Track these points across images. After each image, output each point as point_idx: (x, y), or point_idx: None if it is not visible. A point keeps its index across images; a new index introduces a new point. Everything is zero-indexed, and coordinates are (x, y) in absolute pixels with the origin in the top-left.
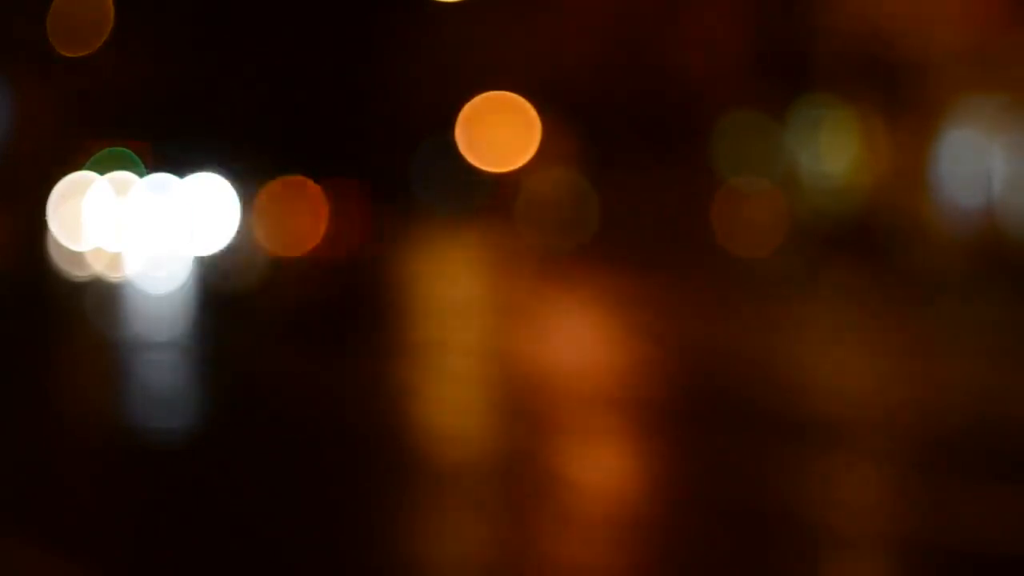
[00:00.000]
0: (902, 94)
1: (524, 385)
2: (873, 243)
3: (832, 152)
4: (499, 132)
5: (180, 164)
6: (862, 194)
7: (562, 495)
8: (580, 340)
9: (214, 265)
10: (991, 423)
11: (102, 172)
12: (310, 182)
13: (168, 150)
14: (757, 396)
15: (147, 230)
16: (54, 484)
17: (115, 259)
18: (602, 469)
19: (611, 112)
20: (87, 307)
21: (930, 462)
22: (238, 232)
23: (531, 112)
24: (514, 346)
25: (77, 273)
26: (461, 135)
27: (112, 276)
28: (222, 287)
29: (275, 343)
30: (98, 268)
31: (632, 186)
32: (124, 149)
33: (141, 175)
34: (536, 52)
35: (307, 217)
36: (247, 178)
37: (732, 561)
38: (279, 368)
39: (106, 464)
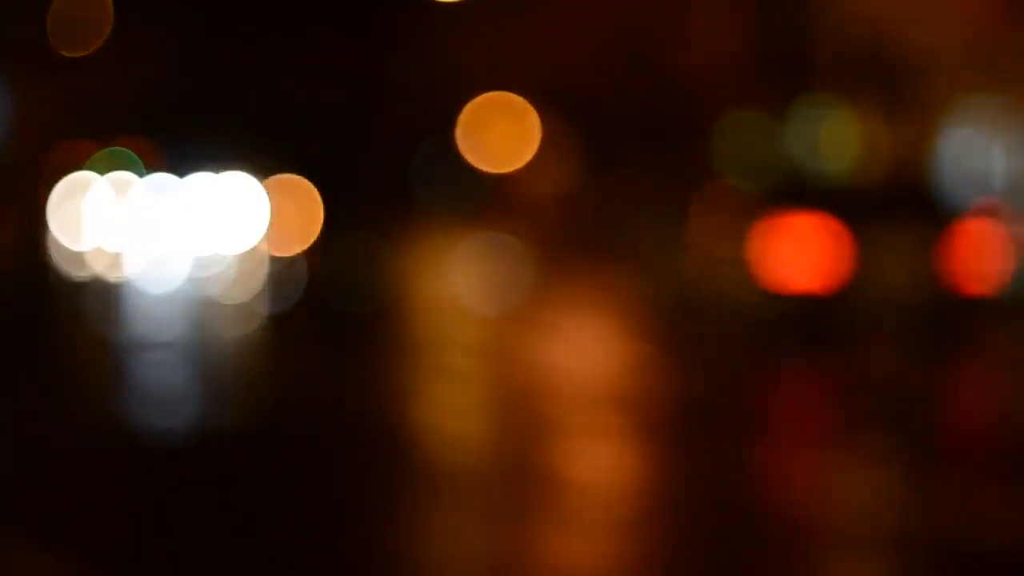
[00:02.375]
0: (902, 94)
1: (524, 385)
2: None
3: (832, 152)
4: (499, 132)
5: (180, 164)
6: (861, 193)
7: (562, 495)
8: (580, 340)
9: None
10: (992, 423)
11: (102, 172)
12: (305, 180)
13: (168, 150)
14: (756, 396)
15: (147, 230)
16: (54, 484)
17: (115, 259)
18: (602, 469)
19: (611, 112)
20: (87, 307)
21: (931, 462)
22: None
23: (531, 112)
24: (514, 346)
25: (77, 273)
26: (461, 135)
27: (112, 276)
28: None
29: (275, 343)
30: (98, 268)
31: (632, 186)
32: (124, 149)
33: (141, 175)
34: (536, 52)
35: (302, 216)
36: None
37: (732, 561)
38: (278, 368)
39: (106, 464)
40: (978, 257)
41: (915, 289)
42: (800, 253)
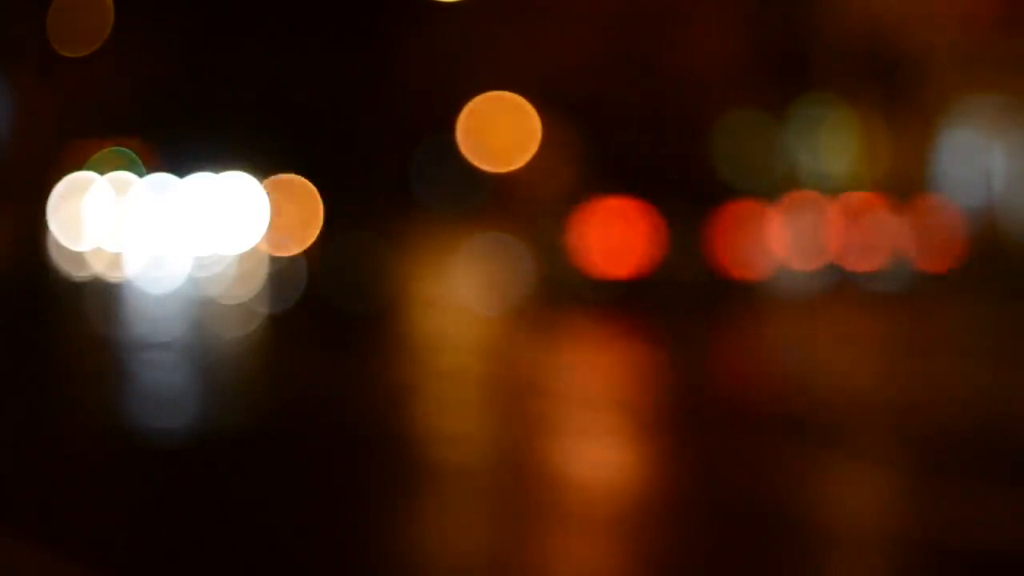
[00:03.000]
0: (902, 93)
1: (524, 385)
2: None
3: (832, 152)
4: (499, 132)
5: (180, 164)
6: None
7: (561, 495)
8: (580, 340)
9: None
10: (992, 423)
11: (102, 172)
12: (305, 180)
13: (168, 150)
14: (757, 397)
15: (147, 230)
16: (53, 484)
17: (115, 259)
18: (602, 469)
19: (611, 112)
20: (87, 307)
21: (931, 462)
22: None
23: (531, 112)
24: (514, 346)
25: (77, 273)
26: (461, 135)
27: (112, 276)
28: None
29: (275, 343)
30: (98, 268)
31: (631, 186)
32: (124, 149)
33: (141, 175)
34: (536, 52)
35: (302, 216)
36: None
37: (732, 561)
38: (278, 368)
39: (105, 464)
40: (752, 243)
41: (698, 273)
42: (616, 239)
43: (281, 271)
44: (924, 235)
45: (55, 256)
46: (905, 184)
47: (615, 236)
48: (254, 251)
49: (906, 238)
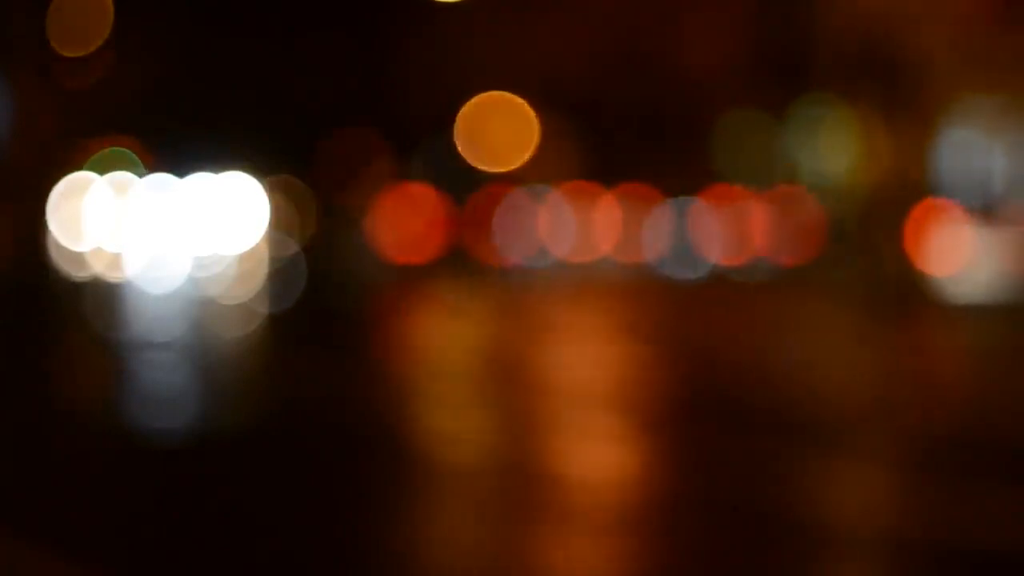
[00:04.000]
0: (902, 94)
1: (524, 385)
2: (872, 242)
3: (832, 151)
4: (499, 132)
5: (180, 164)
6: (862, 193)
7: (562, 495)
8: (581, 339)
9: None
10: (991, 423)
11: (102, 172)
12: (305, 180)
13: (168, 150)
14: (757, 396)
15: (147, 230)
16: (53, 484)
17: (115, 259)
18: (602, 469)
19: (611, 112)
20: (87, 307)
21: (930, 462)
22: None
23: (531, 112)
24: (514, 346)
25: (77, 273)
26: (460, 135)
27: (112, 276)
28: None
29: (275, 343)
30: (98, 268)
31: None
32: (124, 149)
33: (141, 175)
34: (536, 52)
35: (303, 216)
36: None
37: (732, 561)
38: (278, 368)
39: (106, 464)
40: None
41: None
42: (410, 225)
43: (281, 271)
44: (786, 228)
45: (55, 256)
46: (904, 183)
47: (411, 224)
48: (254, 251)
49: (770, 231)
